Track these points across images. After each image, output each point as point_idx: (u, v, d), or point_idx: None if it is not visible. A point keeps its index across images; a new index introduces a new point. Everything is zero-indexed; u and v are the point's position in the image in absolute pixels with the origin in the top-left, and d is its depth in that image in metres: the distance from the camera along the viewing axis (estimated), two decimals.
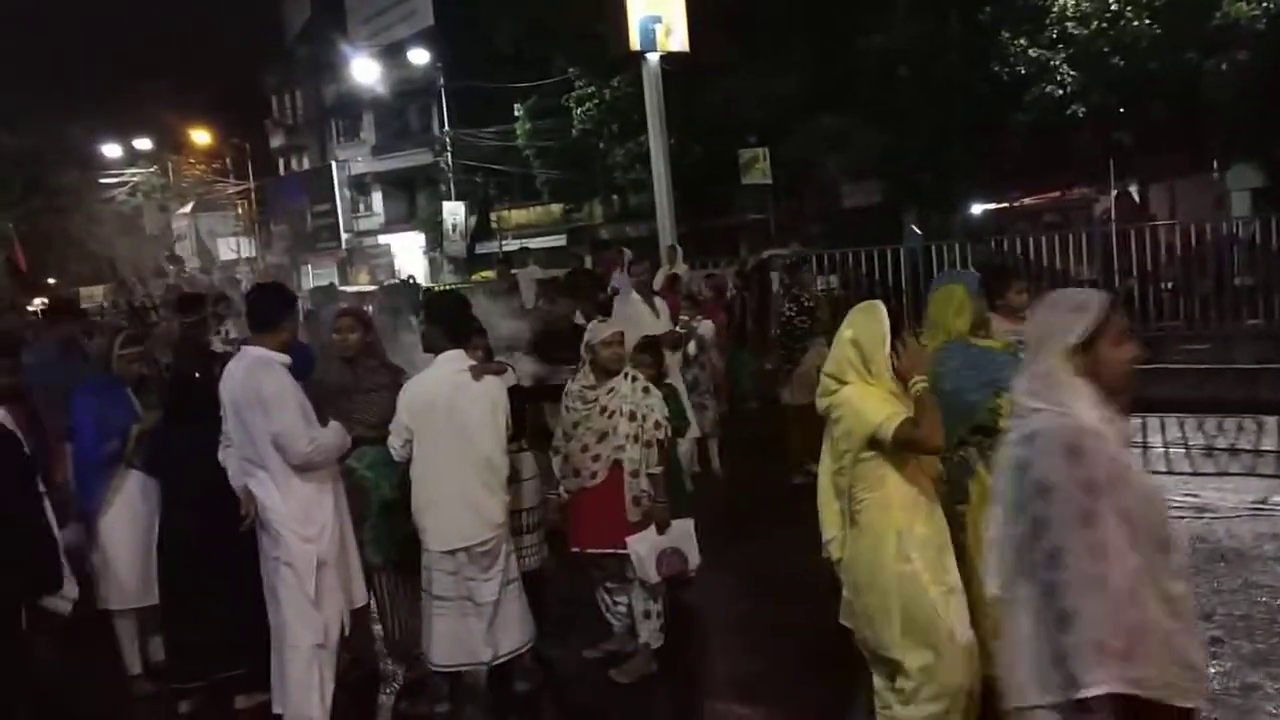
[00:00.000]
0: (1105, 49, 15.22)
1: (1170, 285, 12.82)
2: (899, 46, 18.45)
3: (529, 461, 5.55)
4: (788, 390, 8.78)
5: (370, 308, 10.92)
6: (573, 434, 5.25)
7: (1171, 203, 17.80)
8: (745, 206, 21.56)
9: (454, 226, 30.46)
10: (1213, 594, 5.75)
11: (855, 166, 20.79)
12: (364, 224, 43.62)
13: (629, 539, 5.10)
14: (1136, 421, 9.94)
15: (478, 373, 4.86)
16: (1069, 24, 15.45)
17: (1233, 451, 8.54)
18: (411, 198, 40.95)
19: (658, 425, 5.14)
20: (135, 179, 46.43)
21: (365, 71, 35.86)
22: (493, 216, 33.31)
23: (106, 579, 5.32)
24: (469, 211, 30.72)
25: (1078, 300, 2.68)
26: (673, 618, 5.38)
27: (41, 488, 4.54)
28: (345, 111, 43.79)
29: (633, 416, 5.12)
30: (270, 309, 4.79)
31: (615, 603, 5.42)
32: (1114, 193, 17.14)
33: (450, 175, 32.74)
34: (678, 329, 8.45)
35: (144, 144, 46.49)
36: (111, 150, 46.12)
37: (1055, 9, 15.45)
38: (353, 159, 43.53)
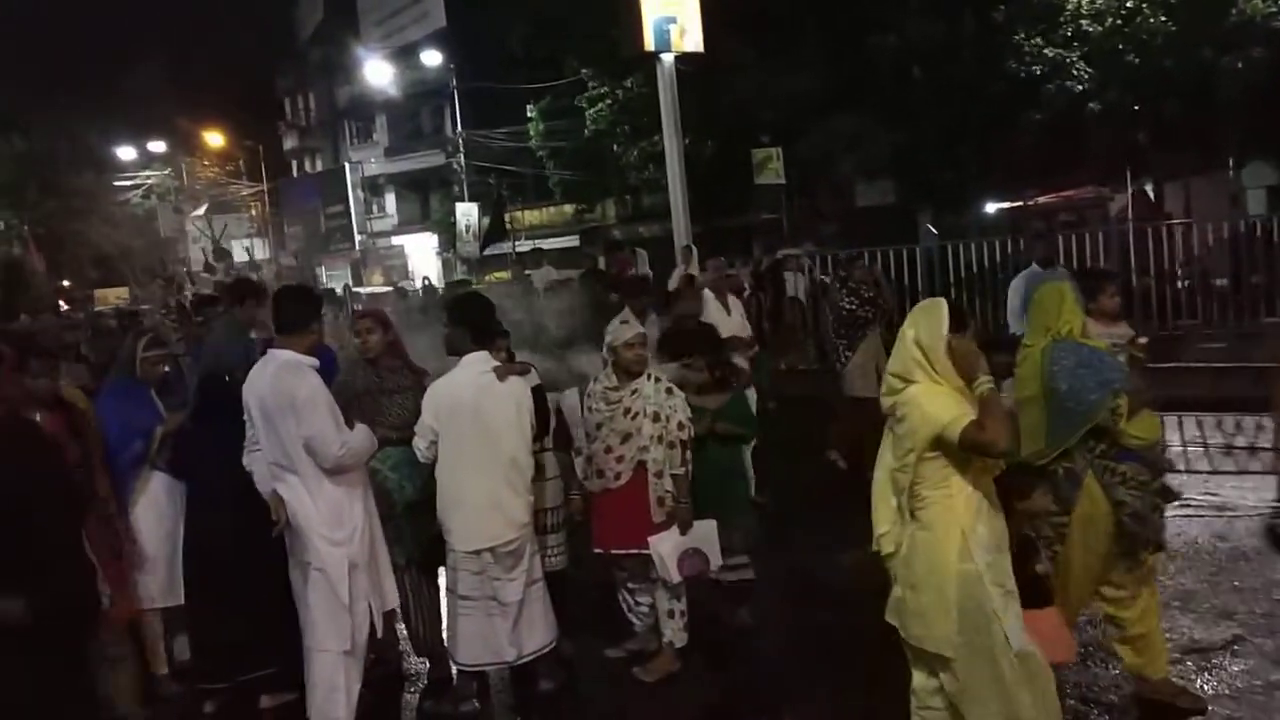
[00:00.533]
0: (1120, 46, 15.19)
1: (1186, 284, 12.79)
2: (912, 45, 18.42)
3: (551, 461, 5.57)
4: (845, 383, 8.72)
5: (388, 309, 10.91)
6: (596, 435, 5.27)
7: (1187, 201, 17.74)
8: (759, 206, 21.54)
9: (467, 227, 30.50)
10: (1234, 592, 5.75)
11: (869, 166, 20.74)
12: (377, 225, 43.74)
13: (651, 539, 5.12)
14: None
15: (502, 373, 4.89)
16: (1083, 22, 15.42)
17: (1252, 450, 8.48)
18: (424, 199, 41.03)
19: (681, 426, 5.15)
20: (149, 181, 46.63)
21: (378, 73, 35.97)
22: (506, 217, 33.34)
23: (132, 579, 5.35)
24: (482, 212, 30.75)
25: None
26: (697, 617, 5.40)
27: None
28: (358, 113, 43.91)
29: (656, 417, 5.14)
30: (298, 312, 4.80)
31: (638, 603, 5.44)
32: (1130, 191, 17.09)
33: (463, 176, 32.79)
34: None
35: (158, 146, 46.70)
36: (126, 153, 46.33)
37: (1070, 7, 15.43)
38: (366, 160, 43.64)
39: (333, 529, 4.56)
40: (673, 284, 14.13)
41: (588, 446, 5.36)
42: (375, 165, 43.25)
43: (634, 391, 5.20)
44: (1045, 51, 15.86)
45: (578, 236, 30.76)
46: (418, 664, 5.55)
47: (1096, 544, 4.23)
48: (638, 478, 5.16)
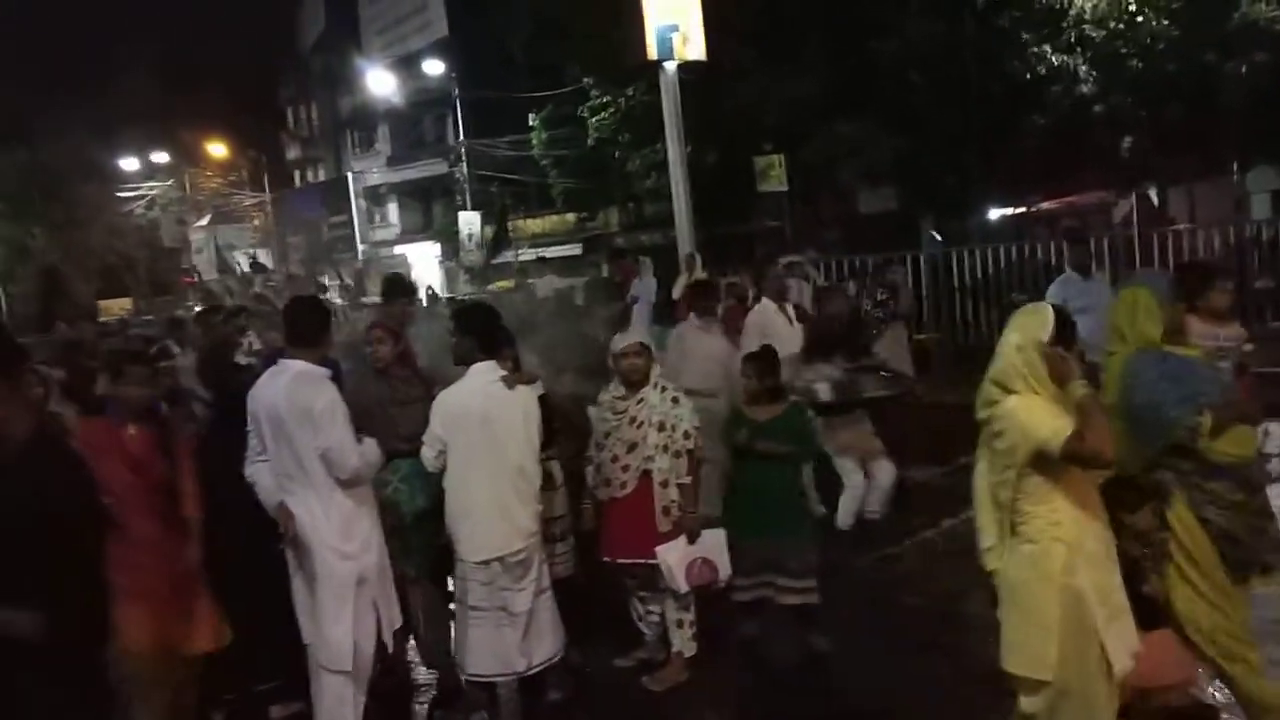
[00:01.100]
0: (1123, 51, 15.18)
1: None
2: (914, 50, 18.42)
3: (557, 470, 5.57)
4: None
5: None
6: (604, 444, 5.28)
7: (1190, 206, 17.74)
8: (761, 213, 21.55)
9: (470, 236, 30.54)
10: None
11: (871, 172, 20.74)
12: (380, 234, 43.79)
13: (658, 548, 5.12)
14: None
15: (510, 382, 4.89)
16: (1086, 26, 15.42)
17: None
18: (427, 208, 41.08)
19: (687, 435, 5.16)
20: (153, 192, 46.72)
21: (380, 83, 36.05)
22: (509, 226, 33.39)
23: None
24: (485, 221, 30.78)
25: None
26: (706, 626, 5.39)
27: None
28: (360, 123, 44.01)
29: (662, 427, 5.15)
30: (311, 323, 4.81)
31: (648, 611, 5.44)
32: (1134, 196, 17.07)
33: (466, 185, 32.84)
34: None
35: (161, 157, 46.79)
36: (129, 163, 46.43)
37: (1073, 11, 15.43)
38: (368, 170, 43.72)
39: (342, 541, 4.55)
40: (677, 292, 14.15)
41: (597, 455, 5.36)
42: (378, 175, 43.31)
43: (640, 401, 5.21)
44: (1049, 56, 15.85)
45: (581, 245, 30.79)
46: (427, 675, 5.54)
47: (1196, 563, 3.97)
48: (643, 487, 5.17)
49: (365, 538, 4.64)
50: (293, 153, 50.25)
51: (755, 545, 5.27)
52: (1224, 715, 4.35)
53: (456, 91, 32.31)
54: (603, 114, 23.96)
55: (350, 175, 44.01)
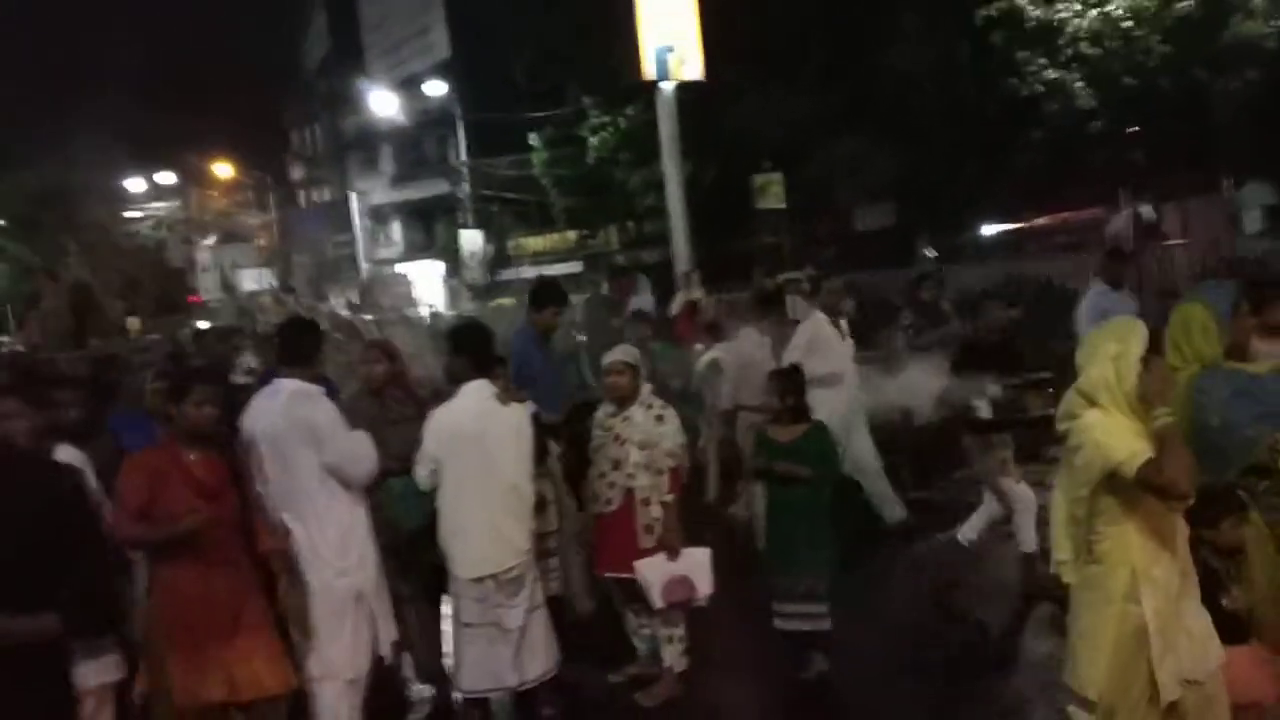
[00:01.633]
0: (1118, 68, 15.29)
1: None
2: (912, 68, 18.57)
3: (548, 486, 5.66)
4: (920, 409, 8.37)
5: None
6: (595, 460, 5.38)
7: (1184, 221, 17.76)
8: (760, 231, 21.65)
9: (472, 255, 30.67)
10: None
11: (869, 189, 20.87)
12: (383, 253, 43.93)
13: (637, 564, 5.19)
14: None
15: (503, 400, 4.97)
16: (1082, 44, 15.53)
17: None
18: (429, 227, 41.23)
19: (669, 453, 5.21)
20: (159, 213, 46.96)
21: (383, 104, 36.22)
22: (509, 244, 33.53)
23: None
24: (487, 240, 30.91)
25: None
26: (698, 641, 5.46)
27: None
28: (364, 143, 44.20)
29: (644, 445, 5.21)
30: (305, 343, 4.91)
31: (641, 625, 5.50)
32: (1127, 211, 17.10)
33: (468, 204, 32.99)
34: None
35: (167, 178, 47.06)
36: (135, 185, 46.70)
37: (1068, 29, 15.55)
38: (371, 190, 43.92)
39: (339, 557, 4.60)
40: (674, 309, 14.26)
41: (591, 471, 5.46)
42: (381, 194, 43.51)
43: (626, 418, 5.29)
44: (1045, 73, 15.96)
45: (581, 262, 30.89)
46: (421, 691, 5.59)
47: (1273, 581, 3.83)
48: (628, 503, 5.24)
49: (361, 553, 4.70)
50: (297, 173, 50.50)
51: (783, 569, 5.27)
52: None
53: (458, 112, 32.49)
54: (602, 133, 24.13)
55: (354, 195, 44.20)
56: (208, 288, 40.98)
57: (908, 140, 18.86)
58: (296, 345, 4.89)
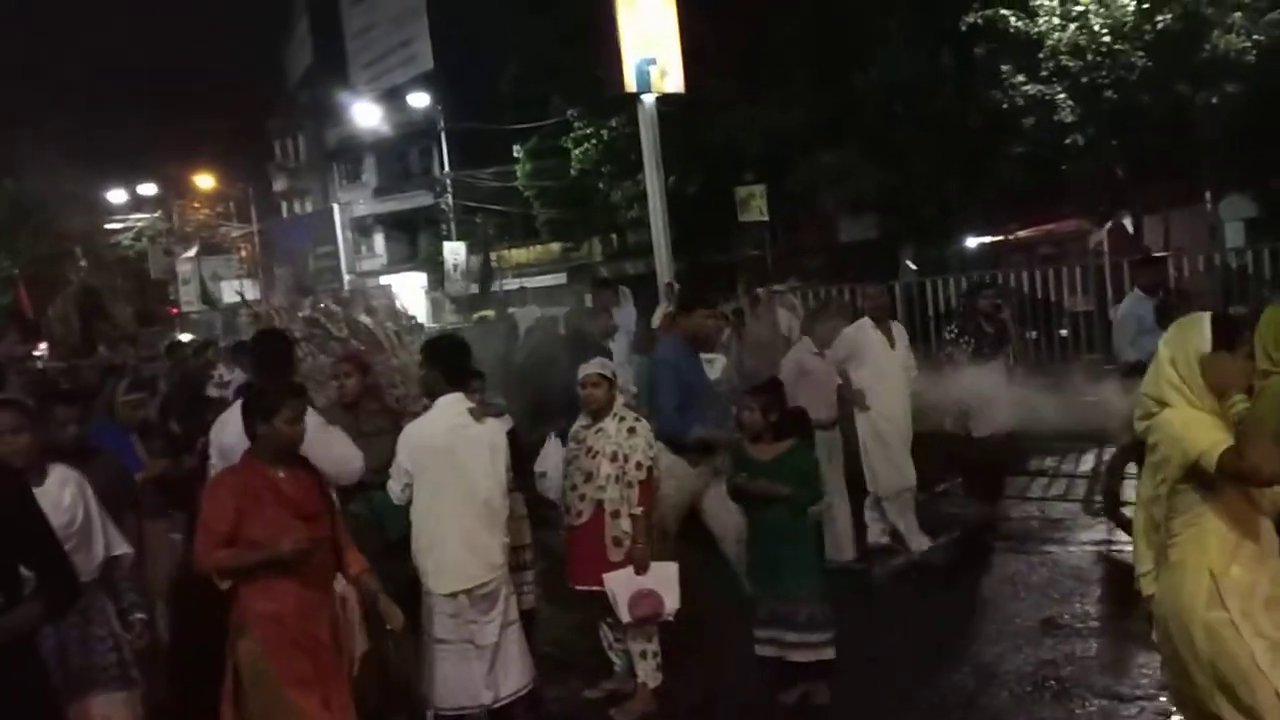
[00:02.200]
0: (1099, 82, 15.37)
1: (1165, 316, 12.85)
2: (895, 81, 18.63)
3: (520, 500, 5.62)
4: (974, 424, 8.00)
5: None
6: (568, 472, 5.34)
7: (1166, 234, 17.89)
8: (743, 242, 21.71)
9: (455, 266, 30.62)
10: None
11: (852, 201, 20.93)
12: (366, 265, 43.88)
13: (605, 577, 5.15)
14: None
15: (478, 414, 4.93)
16: (1063, 57, 15.62)
17: None
18: (413, 239, 41.22)
19: (639, 466, 5.17)
20: (140, 224, 46.77)
21: (366, 115, 36.22)
22: (493, 256, 33.53)
23: None
24: (470, 251, 30.88)
25: None
26: (673, 656, 5.40)
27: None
28: (347, 155, 44.19)
29: (614, 457, 5.18)
30: (278, 354, 4.89)
31: (617, 639, 5.46)
32: (1108, 224, 17.24)
33: (451, 216, 32.97)
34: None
35: (148, 189, 46.89)
36: (116, 195, 46.50)
37: (1050, 42, 15.63)
38: (354, 201, 43.87)
39: None
40: (656, 321, 14.22)
41: (564, 483, 5.43)
42: (364, 206, 43.48)
43: (598, 430, 5.26)
44: (1026, 87, 16.03)
45: (565, 274, 30.91)
46: (395, 708, 5.52)
47: None
48: (598, 516, 5.21)
49: None
50: (280, 184, 50.36)
51: (765, 597, 5.11)
52: None
53: (442, 124, 32.49)
54: (586, 145, 24.16)
55: (336, 206, 44.14)
56: (188, 299, 40.83)
57: (890, 153, 18.92)
58: (270, 356, 4.88)
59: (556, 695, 5.48)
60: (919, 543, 7.59)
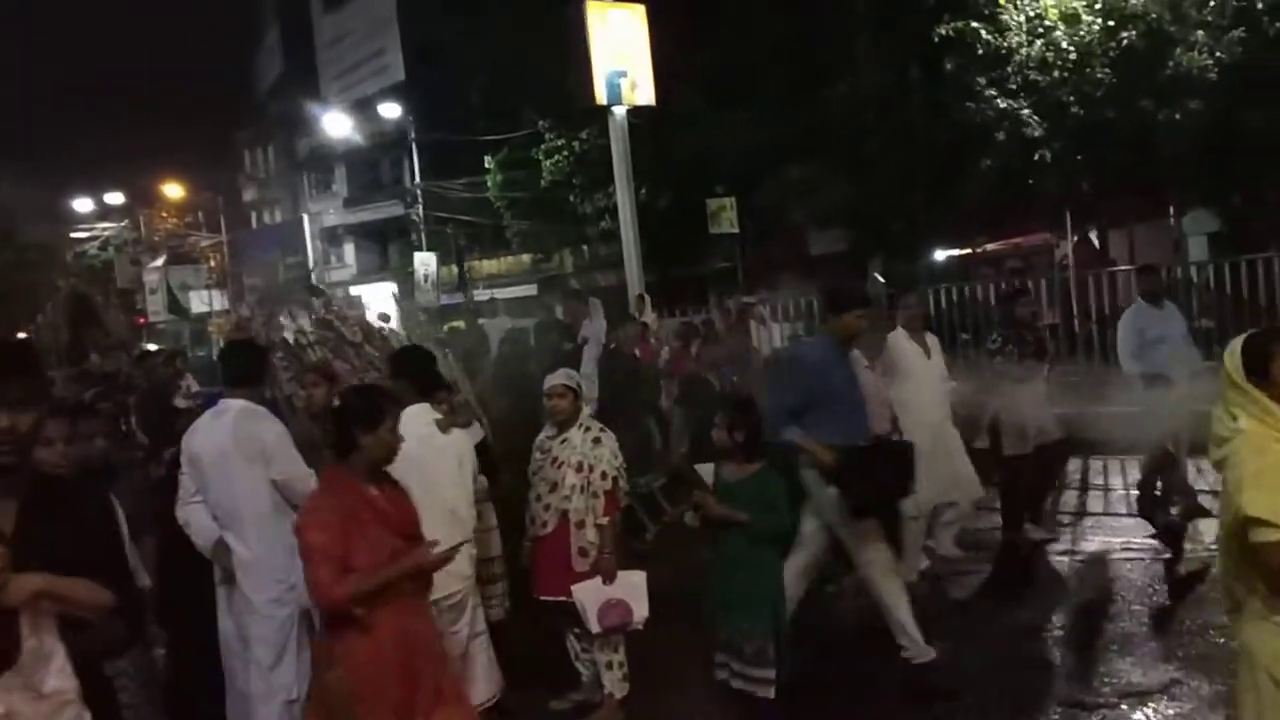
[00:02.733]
0: (1066, 98, 15.55)
1: None
2: (864, 95, 18.77)
3: (490, 511, 5.61)
4: (1008, 440, 7.62)
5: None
6: (532, 483, 5.35)
7: (1130, 247, 18.13)
8: (714, 255, 21.77)
9: (425, 277, 30.54)
10: (1172, 635, 5.87)
11: (822, 214, 21.04)
12: (336, 275, 43.71)
13: (573, 587, 5.15)
14: (1098, 464, 10.11)
15: (444, 425, 4.93)
16: (1030, 72, 15.79)
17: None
18: (383, 249, 41.10)
19: (604, 476, 5.17)
20: (106, 233, 46.40)
21: (337, 125, 36.12)
22: (465, 266, 33.48)
23: None
24: (441, 262, 30.83)
25: None
26: (639, 667, 5.40)
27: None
28: (317, 165, 44.03)
29: (580, 467, 5.18)
30: (249, 363, 4.92)
31: (584, 649, 5.45)
32: (1074, 238, 17.44)
33: (421, 226, 32.90)
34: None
35: (115, 198, 46.55)
36: (83, 204, 46.12)
37: (1017, 57, 15.81)
38: (325, 211, 43.70)
39: (287, 573, 4.56)
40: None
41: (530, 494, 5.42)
42: (334, 216, 43.32)
43: (564, 441, 5.27)
44: (995, 101, 16.19)
45: (536, 285, 30.90)
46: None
47: None
48: (563, 526, 5.21)
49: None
50: (249, 194, 50.16)
51: (720, 619, 4.95)
52: None
53: (413, 134, 32.44)
54: (557, 157, 24.17)
55: (306, 216, 43.96)
56: (155, 309, 40.50)
57: (859, 166, 19.05)
58: (241, 366, 4.88)
59: (524, 706, 5.44)
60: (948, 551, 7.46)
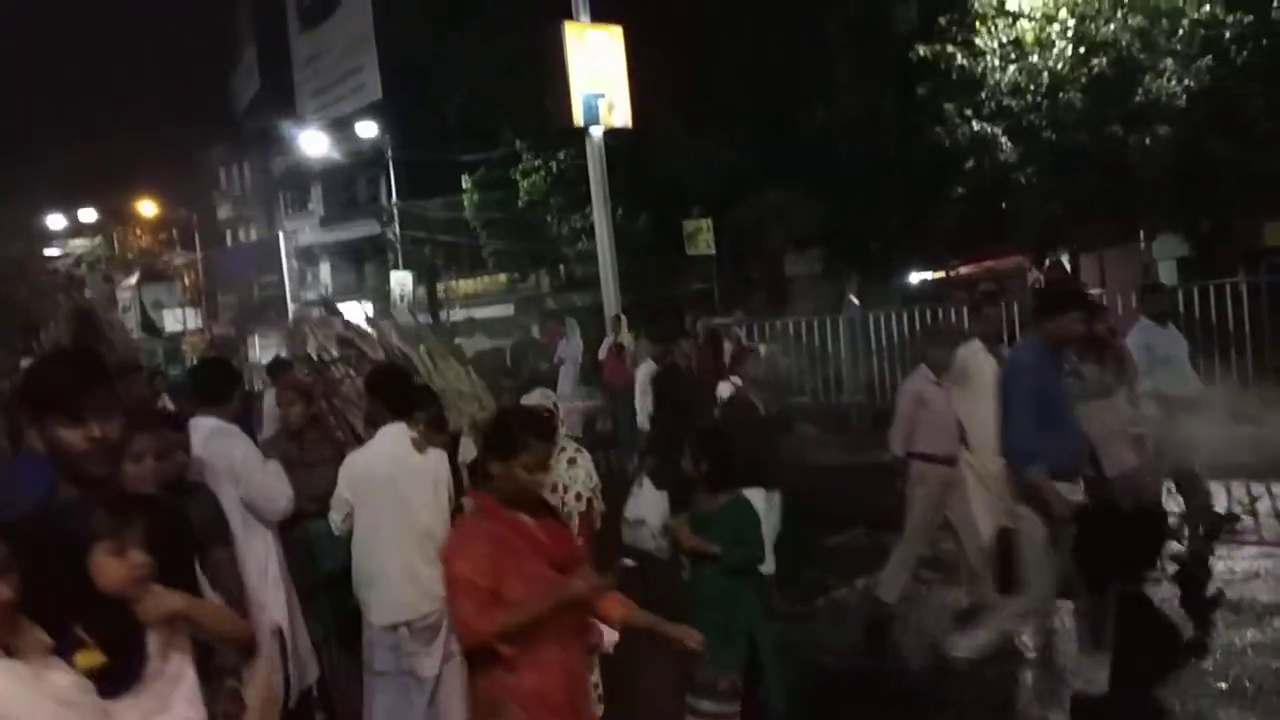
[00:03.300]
0: (1039, 123, 15.73)
1: None
2: (840, 118, 18.93)
3: None
4: (1108, 461, 6.92)
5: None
6: None
7: (1101, 271, 18.30)
8: (690, 276, 21.84)
9: (401, 296, 30.50)
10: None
11: (798, 236, 21.16)
12: (311, 294, 43.55)
13: None
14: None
15: (420, 445, 4.92)
16: (1004, 97, 15.98)
17: None
18: (359, 268, 40.98)
19: (579, 497, 5.13)
20: (79, 250, 46.07)
21: (313, 143, 36.05)
22: (440, 286, 33.44)
23: None
24: (417, 281, 30.81)
25: None
26: (614, 689, 5.38)
27: None
28: (293, 183, 43.90)
29: (554, 488, 5.15)
30: (219, 382, 4.89)
31: None
32: (1047, 262, 17.58)
33: (398, 245, 32.86)
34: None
35: (89, 215, 46.24)
36: (55, 221, 45.79)
37: (991, 82, 16.00)
38: (300, 230, 43.56)
39: (259, 592, 4.55)
40: (602, 353, 14.32)
41: None
42: (310, 234, 43.17)
43: None
44: (968, 125, 16.35)
45: (512, 305, 30.89)
46: None
47: None
48: None
49: (278, 589, 4.67)
50: (224, 212, 49.94)
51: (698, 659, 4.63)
52: None
53: (390, 153, 32.42)
54: (534, 177, 24.21)
55: (281, 234, 43.81)
56: (129, 327, 40.18)
57: (835, 189, 19.19)
58: (212, 385, 4.88)
59: None
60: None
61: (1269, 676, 5.40)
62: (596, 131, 15.45)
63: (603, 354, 14.19)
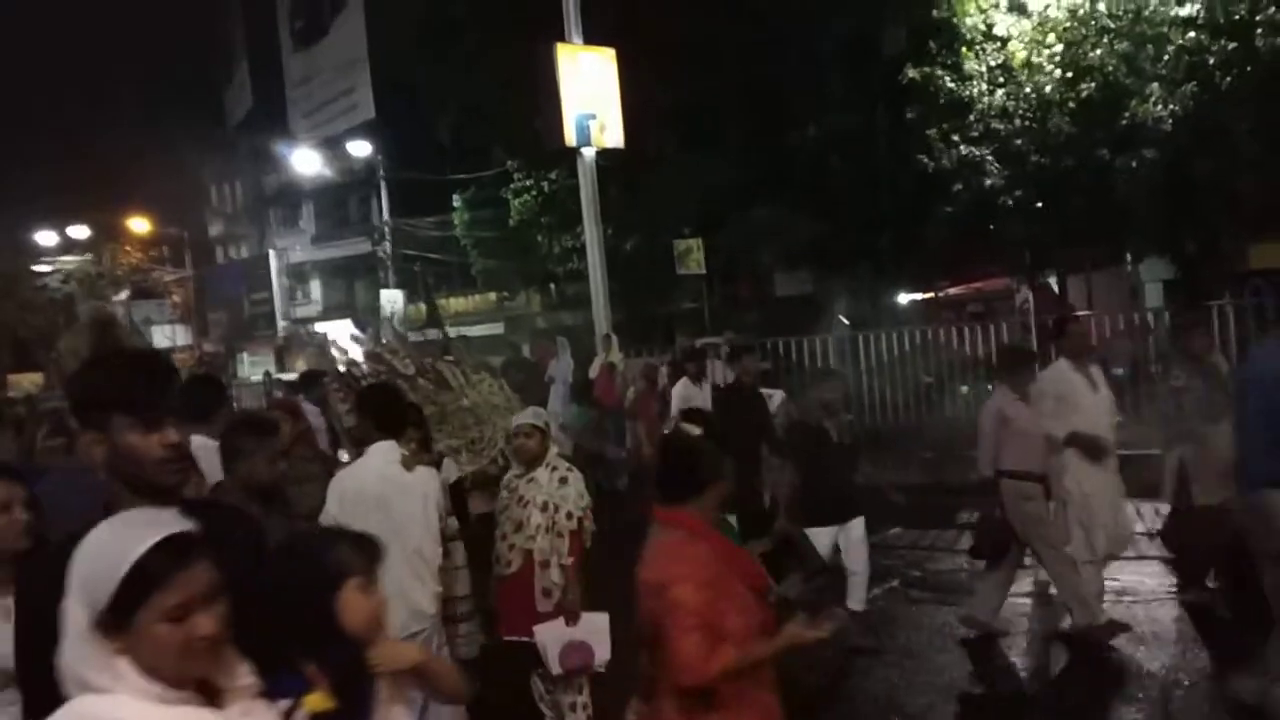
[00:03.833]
0: (1026, 146, 15.85)
1: None
2: (830, 139, 19.04)
3: (459, 549, 5.59)
4: (1200, 487, 6.76)
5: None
6: (499, 521, 5.34)
7: (1088, 293, 18.43)
8: (681, 295, 21.90)
9: (393, 314, 30.50)
10: (1140, 676, 5.93)
11: (788, 256, 21.25)
12: (301, 311, 43.49)
13: (536, 628, 5.13)
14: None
15: (409, 463, 4.93)
16: (992, 121, 16.11)
17: (1150, 536, 8.68)
18: (350, 285, 40.97)
19: (569, 516, 5.17)
20: (69, 266, 45.94)
21: (305, 162, 36.08)
22: (434, 303, 33.41)
23: None
24: (408, 300, 30.80)
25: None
26: (606, 708, 5.38)
27: None
28: (285, 201, 43.92)
29: (545, 506, 5.17)
30: (207, 399, 4.89)
31: (548, 690, 5.42)
32: (1036, 283, 17.70)
33: (389, 263, 32.87)
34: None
35: (80, 231, 46.13)
36: (46, 238, 45.68)
37: (979, 106, 16.13)
38: (291, 247, 43.57)
39: None
40: (593, 372, 14.33)
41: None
42: (301, 252, 43.18)
43: (530, 480, 5.27)
44: (957, 148, 16.47)
45: (502, 324, 30.91)
46: None
47: None
48: (528, 566, 5.20)
49: None
50: (215, 229, 49.92)
51: None
52: None
53: (381, 172, 32.47)
54: (525, 197, 24.26)
55: (272, 252, 43.79)
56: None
57: (826, 209, 19.29)
58: (198, 401, 4.86)
59: None
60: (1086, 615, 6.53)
61: None
62: (588, 152, 15.50)
63: (593, 373, 14.21)
